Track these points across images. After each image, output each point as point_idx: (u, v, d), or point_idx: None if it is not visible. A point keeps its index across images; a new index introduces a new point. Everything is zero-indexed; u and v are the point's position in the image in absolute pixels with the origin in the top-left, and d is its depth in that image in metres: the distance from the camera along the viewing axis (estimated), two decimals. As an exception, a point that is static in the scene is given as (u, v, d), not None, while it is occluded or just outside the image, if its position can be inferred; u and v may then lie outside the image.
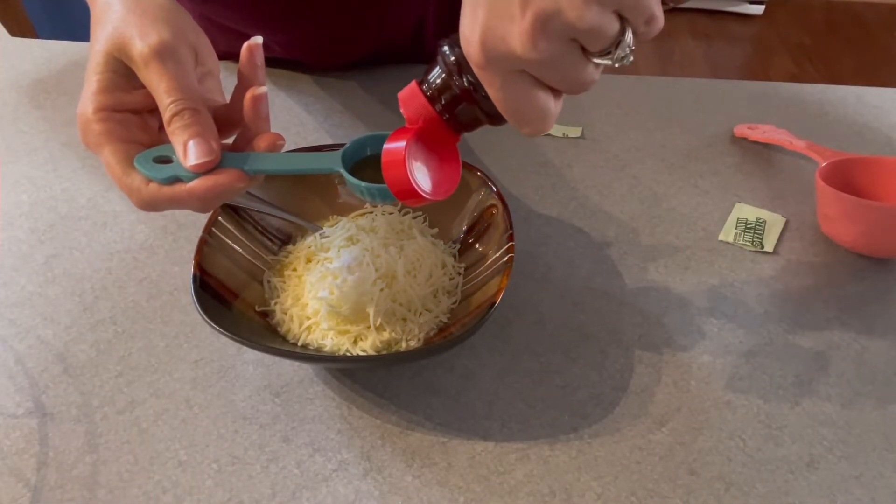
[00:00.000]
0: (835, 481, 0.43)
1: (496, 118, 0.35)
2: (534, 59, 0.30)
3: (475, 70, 0.32)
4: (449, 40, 0.35)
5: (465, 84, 0.34)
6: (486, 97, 0.34)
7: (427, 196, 0.36)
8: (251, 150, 0.39)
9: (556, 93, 0.33)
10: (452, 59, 0.34)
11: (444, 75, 0.35)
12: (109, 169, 0.39)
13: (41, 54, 0.80)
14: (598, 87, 0.75)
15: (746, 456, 0.44)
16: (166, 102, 0.38)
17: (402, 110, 0.37)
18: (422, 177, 0.36)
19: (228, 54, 0.51)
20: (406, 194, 0.36)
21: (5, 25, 0.87)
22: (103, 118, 0.39)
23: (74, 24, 1.43)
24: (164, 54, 0.38)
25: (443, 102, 0.36)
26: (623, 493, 0.42)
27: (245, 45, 0.41)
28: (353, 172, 0.39)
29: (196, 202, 0.39)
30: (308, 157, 0.40)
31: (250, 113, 0.39)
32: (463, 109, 0.35)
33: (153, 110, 0.41)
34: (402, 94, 0.37)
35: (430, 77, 0.36)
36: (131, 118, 0.40)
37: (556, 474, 0.43)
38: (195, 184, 0.38)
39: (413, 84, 0.36)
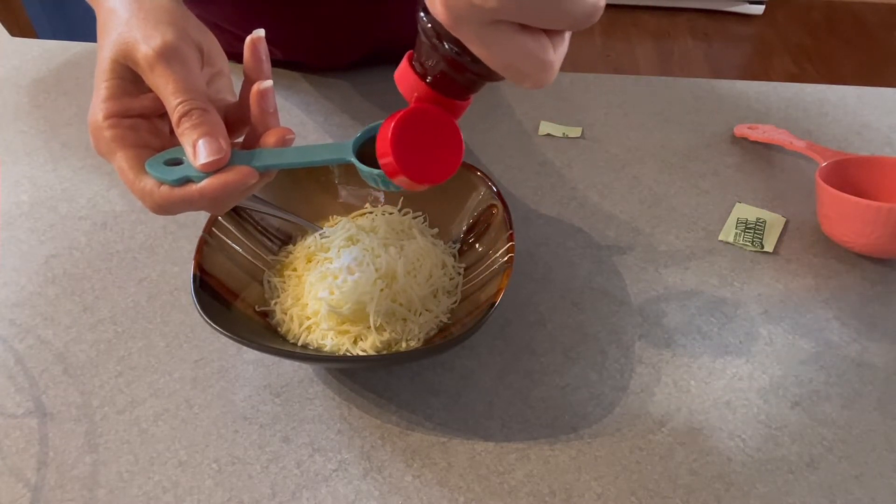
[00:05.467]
0: (835, 481, 0.43)
1: (492, 76, 0.33)
2: (496, 6, 0.27)
3: (451, 32, 0.30)
4: (424, 5, 0.32)
5: (448, 50, 0.32)
6: (474, 59, 0.31)
7: (421, 180, 0.35)
8: (260, 146, 0.39)
9: (552, 34, 0.30)
10: (429, 25, 0.32)
11: (426, 46, 0.33)
12: (122, 174, 0.39)
13: (41, 54, 0.80)
14: (597, 86, 0.75)
15: (746, 456, 0.44)
16: (174, 104, 0.38)
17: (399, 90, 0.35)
18: (418, 159, 0.35)
19: (230, 55, 0.51)
20: (393, 173, 0.35)
21: (5, 25, 0.87)
22: (113, 125, 0.39)
23: (74, 24, 1.43)
24: (168, 56, 0.38)
25: (434, 74, 0.34)
26: (623, 493, 0.42)
27: (248, 39, 0.40)
28: (363, 161, 0.38)
29: (207, 202, 0.38)
30: (318, 148, 0.39)
31: (256, 108, 0.39)
32: (454, 77, 0.33)
33: (163, 114, 0.41)
34: (396, 73, 0.35)
35: (417, 50, 0.34)
36: (141, 123, 0.40)
37: (556, 474, 0.43)
38: (205, 183, 0.38)
39: (404, 60, 0.35)
